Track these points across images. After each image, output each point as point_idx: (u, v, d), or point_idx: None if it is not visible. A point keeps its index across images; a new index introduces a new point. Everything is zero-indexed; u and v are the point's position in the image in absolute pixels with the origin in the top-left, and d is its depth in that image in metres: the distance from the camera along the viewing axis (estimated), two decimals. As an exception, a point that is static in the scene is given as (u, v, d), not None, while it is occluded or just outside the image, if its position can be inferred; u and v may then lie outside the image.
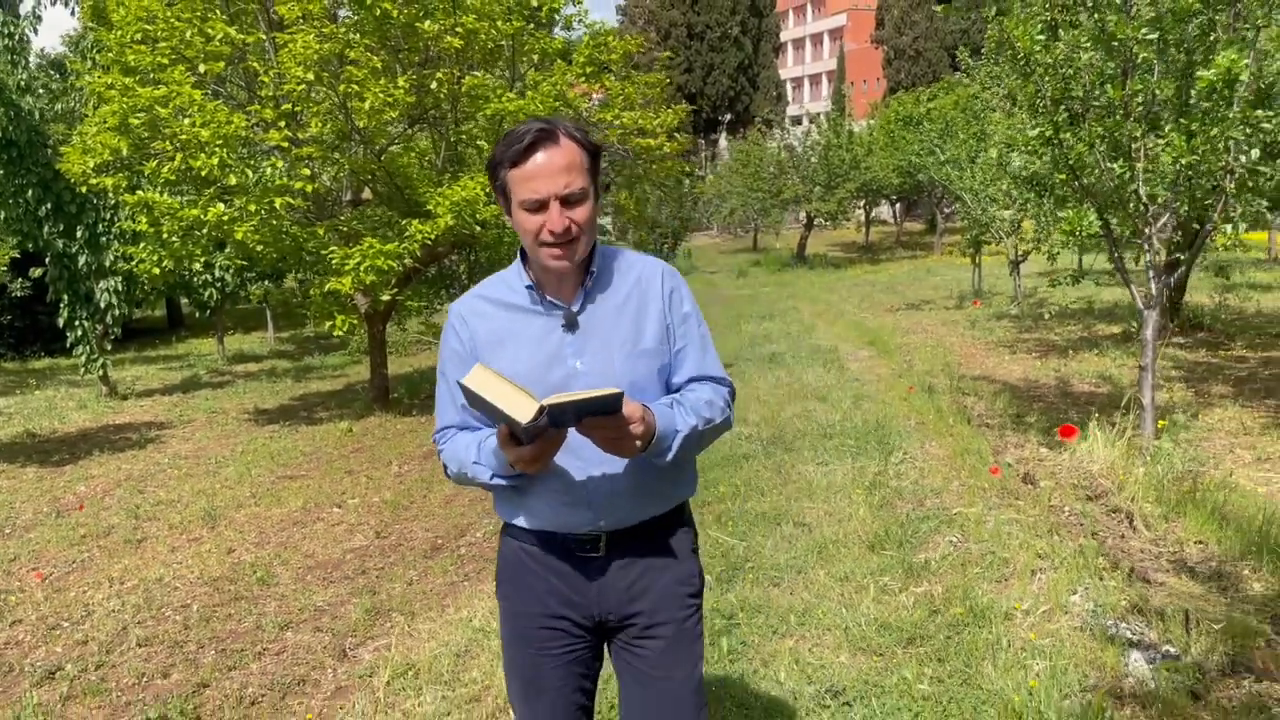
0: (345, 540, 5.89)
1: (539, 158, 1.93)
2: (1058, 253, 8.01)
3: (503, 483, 2.03)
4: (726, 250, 40.15)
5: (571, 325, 2.06)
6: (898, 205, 39.17)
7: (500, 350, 2.06)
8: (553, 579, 2.13)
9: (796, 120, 57.56)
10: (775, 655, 3.84)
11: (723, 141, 51.49)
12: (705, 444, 2.13)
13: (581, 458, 2.01)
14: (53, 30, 77.40)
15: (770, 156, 32.11)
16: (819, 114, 43.30)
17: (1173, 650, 3.59)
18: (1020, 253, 16.33)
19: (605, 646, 2.23)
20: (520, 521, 2.13)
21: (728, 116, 54.59)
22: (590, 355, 2.05)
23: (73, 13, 12.19)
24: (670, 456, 1.99)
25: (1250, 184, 9.19)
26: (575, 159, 1.96)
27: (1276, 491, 5.58)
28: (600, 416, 1.82)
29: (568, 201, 1.95)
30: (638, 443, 1.89)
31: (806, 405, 9.06)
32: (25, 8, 12.83)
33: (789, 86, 73.47)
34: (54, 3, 12.37)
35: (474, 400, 1.81)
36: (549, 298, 2.07)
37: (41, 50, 13.44)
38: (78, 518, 6.82)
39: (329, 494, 7.08)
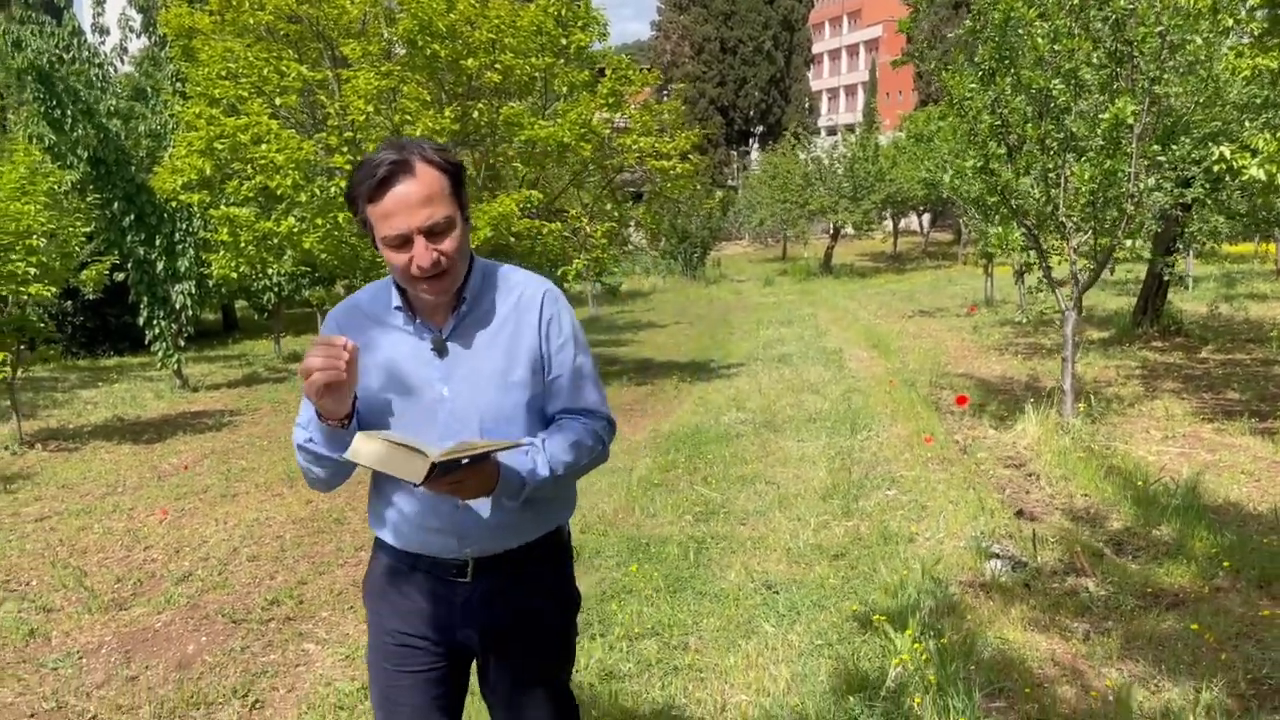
0: (401, 494, 7.20)
1: (396, 191, 1.84)
2: (1034, 263, 9.16)
3: (326, 453, 1.93)
4: (756, 260, 41.34)
5: (441, 350, 1.99)
6: (924, 216, 40.18)
7: (369, 361, 1.97)
8: (417, 598, 2.08)
9: (832, 131, 58.62)
10: (730, 565, 5.09)
11: (754, 153, 52.78)
12: (570, 481, 2.10)
13: None
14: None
15: (798, 168, 33.27)
16: (849, 125, 44.36)
17: (1023, 559, 4.79)
18: (1023, 263, 17.40)
19: (471, 666, 2.21)
20: (388, 538, 2.10)
21: (759, 128, 55.83)
22: (458, 382, 1.99)
23: (160, 46, 13.66)
24: (519, 501, 1.96)
25: (1208, 201, 10.34)
26: (435, 187, 1.87)
27: (1167, 462, 6.72)
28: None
29: (432, 233, 1.86)
30: (471, 495, 1.89)
31: (800, 396, 10.26)
32: (112, 40, 14.41)
33: (824, 97, 74.49)
34: (138, 35, 13.88)
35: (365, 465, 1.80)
36: (420, 320, 2.01)
37: (128, 74, 14.92)
38: (177, 479, 8.18)
39: (385, 463, 8.40)
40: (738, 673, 3.81)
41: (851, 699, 3.45)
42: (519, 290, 2.05)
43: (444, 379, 1.98)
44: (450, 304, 1.99)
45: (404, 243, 1.86)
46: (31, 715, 3.84)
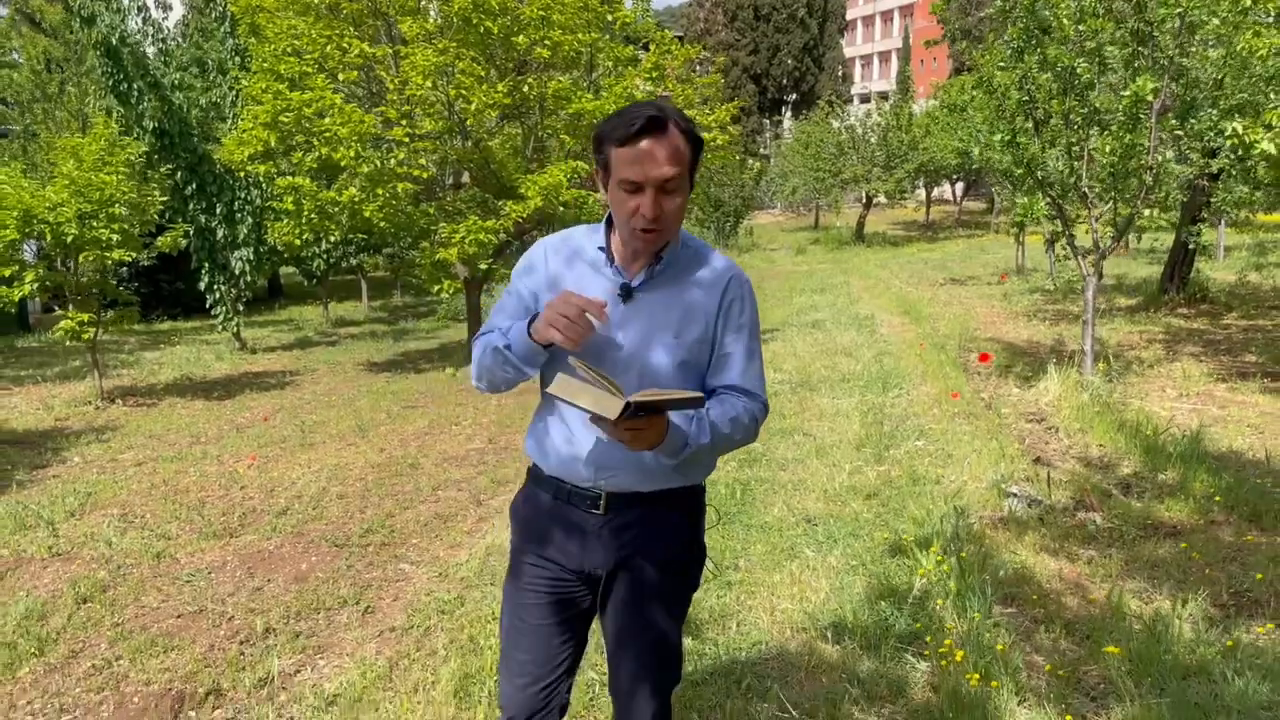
0: (466, 444, 7.83)
1: (645, 144, 1.98)
2: (1060, 232, 9.59)
3: (517, 362, 2.12)
4: (788, 228, 41.61)
5: (626, 296, 2.15)
6: (958, 185, 40.26)
7: (565, 285, 2.16)
8: (554, 526, 2.25)
9: (865, 98, 58.46)
10: (772, 503, 5.67)
11: (787, 121, 52.85)
12: (719, 454, 2.25)
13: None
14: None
15: (831, 137, 33.47)
16: (882, 93, 44.34)
17: (1038, 498, 5.31)
18: (1053, 232, 17.72)
19: (595, 599, 2.31)
20: (537, 460, 2.29)
21: (793, 96, 55.83)
22: (631, 330, 2.14)
23: (220, 21, 14.20)
24: (675, 461, 2.11)
25: (1234, 172, 10.70)
26: (679, 149, 2.02)
27: (1179, 417, 7.19)
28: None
29: (664, 189, 2.02)
30: (643, 446, 1.99)
31: (834, 359, 10.78)
32: (175, 15, 15.04)
33: (857, 64, 74.09)
34: (201, 11, 14.46)
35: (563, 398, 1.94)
36: (616, 266, 2.17)
37: (186, 46, 15.51)
38: (255, 431, 8.85)
39: (446, 417, 9.03)
40: (783, 587, 4.38)
41: (882, 604, 4.02)
42: (711, 265, 2.22)
43: (621, 324, 2.14)
44: (648, 260, 2.16)
45: (637, 189, 2.02)
46: (179, 616, 4.49)
